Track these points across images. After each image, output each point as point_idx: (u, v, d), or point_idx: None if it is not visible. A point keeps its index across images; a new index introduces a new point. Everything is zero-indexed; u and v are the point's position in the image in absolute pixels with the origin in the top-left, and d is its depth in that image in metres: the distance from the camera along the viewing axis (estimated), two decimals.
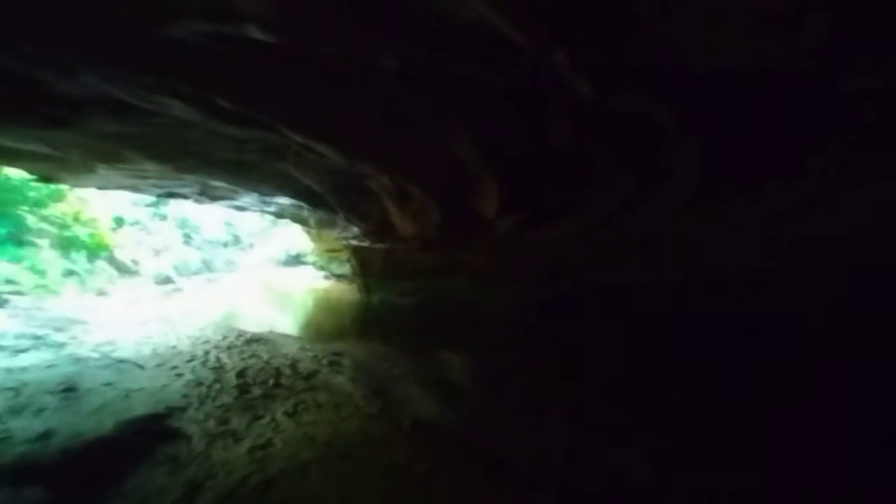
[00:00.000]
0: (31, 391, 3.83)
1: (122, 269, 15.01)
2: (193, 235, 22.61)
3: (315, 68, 2.91)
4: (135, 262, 15.94)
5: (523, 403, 4.77)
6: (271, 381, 4.81)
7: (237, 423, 3.72)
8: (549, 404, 4.75)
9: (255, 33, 2.14)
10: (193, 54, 2.85)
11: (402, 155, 4.67)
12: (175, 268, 18.39)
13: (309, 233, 16.27)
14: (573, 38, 1.91)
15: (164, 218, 20.88)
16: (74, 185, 10.65)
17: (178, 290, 16.57)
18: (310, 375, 5.27)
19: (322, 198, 7.94)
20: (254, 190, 8.56)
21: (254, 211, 13.94)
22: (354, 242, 11.44)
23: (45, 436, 3.08)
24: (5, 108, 3.88)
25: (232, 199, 9.54)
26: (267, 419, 3.85)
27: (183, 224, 22.08)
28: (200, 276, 20.28)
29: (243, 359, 5.66)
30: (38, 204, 12.54)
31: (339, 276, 18.67)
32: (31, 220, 12.12)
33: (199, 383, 4.54)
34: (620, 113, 2.53)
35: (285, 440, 3.49)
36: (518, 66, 2.38)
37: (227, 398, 4.24)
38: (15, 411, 3.45)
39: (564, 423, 4.24)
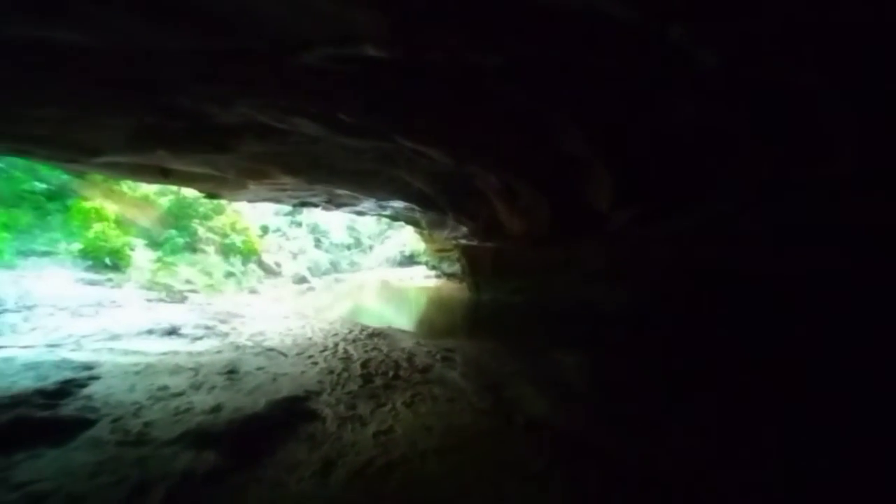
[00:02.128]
0: (205, 372, 4.65)
1: (268, 271, 17.34)
2: (323, 240, 25.23)
3: (423, 77, 3.07)
4: (277, 264, 18.29)
5: (642, 406, 4.45)
6: (391, 373, 5.15)
7: (363, 408, 4.07)
8: (671, 408, 4.37)
9: (371, 51, 2.34)
10: (318, 77, 3.20)
11: (509, 153, 4.68)
12: (309, 269, 20.68)
13: (421, 234, 17.11)
14: (691, 9, 1.74)
15: (299, 225, 23.64)
16: (231, 200, 12.64)
17: (312, 288, 18.61)
18: (425, 369, 5.52)
19: (432, 199, 8.32)
20: (372, 196, 9.29)
21: (372, 215, 15.11)
22: (464, 242, 11.73)
23: (216, 409, 3.71)
24: (182, 139, 4.76)
25: (354, 204, 10.47)
26: (388, 407, 4.14)
27: (314, 230, 24.76)
28: (329, 275, 22.54)
29: (366, 351, 6.15)
30: (205, 217, 15.16)
31: (449, 275, 19.32)
32: (201, 231, 14.69)
33: (331, 371, 5.06)
34: (758, 83, 2.23)
35: (405, 428, 3.72)
36: (631, 47, 2.24)
37: (353, 386, 4.65)
38: (195, 387, 4.22)
39: (687, 428, 3.86)
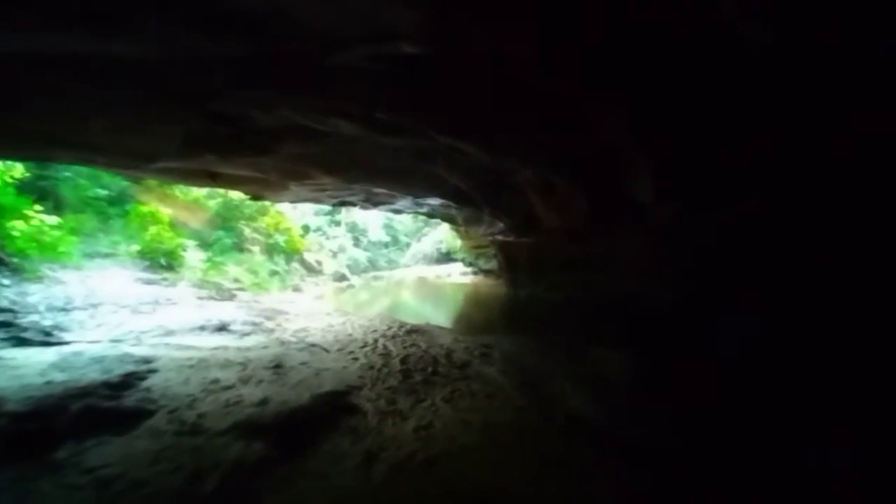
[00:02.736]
0: (253, 366, 4.85)
1: (310, 269, 17.87)
2: (361, 238, 25.75)
3: (458, 72, 3.06)
4: (318, 262, 18.82)
5: (687, 405, 4.27)
6: (430, 369, 5.19)
7: (403, 403, 4.12)
8: (717, 408, 4.17)
9: (407, 48, 2.35)
10: (355, 77, 3.25)
11: (546, 146, 4.59)
12: (348, 267, 21.17)
13: (457, 231, 17.13)
14: None
15: (338, 224, 24.24)
16: (274, 201, 13.11)
17: (351, 285, 19.03)
18: (463, 365, 5.52)
19: (469, 196, 8.30)
20: (409, 193, 9.38)
21: (409, 213, 15.27)
22: (500, 238, 11.64)
23: (263, 402, 3.86)
24: (227, 143, 4.97)
25: (391, 203, 10.62)
26: (428, 403, 4.17)
27: (353, 228, 25.32)
28: (367, 273, 22.98)
29: (405, 347, 6.22)
30: (251, 218, 15.80)
31: (486, 272, 19.25)
32: (247, 232, 15.33)
33: (371, 367, 5.16)
34: (814, 64, 2.07)
35: (444, 423, 3.74)
36: (678, 26, 2.13)
37: (393, 381, 4.72)
38: (243, 381, 4.41)
39: (734, 428, 3.68)
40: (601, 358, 6.09)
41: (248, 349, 5.62)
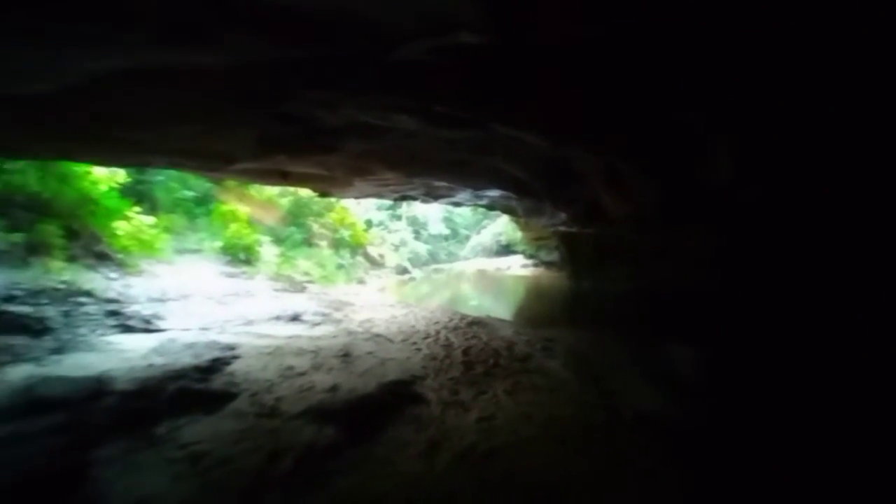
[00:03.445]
0: (323, 354, 5.13)
1: (373, 262, 18.48)
2: (422, 231, 26.17)
3: (518, 60, 2.98)
4: (381, 255, 19.41)
5: (765, 404, 3.94)
6: (491, 361, 5.20)
7: (465, 395, 4.16)
8: (795, 406, 3.81)
9: (467, 38, 2.32)
10: (414, 72, 3.28)
11: (613, 132, 4.37)
12: (409, 260, 21.64)
13: (518, 222, 16.89)
14: None
15: (399, 218, 24.81)
16: (340, 197, 13.67)
17: (413, 278, 19.45)
18: (525, 358, 5.47)
19: (529, 186, 8.14)
20: (468, 186, 9.37)
21: (468, 205, 15.27)
22: (562, 229, 11.31)
23: (333, 388, 4.07)
24: (296, 143, 5.23)
25: (450, 196, 10.66)
26: (489, 395, 4.18)
27: (413, 222, 25.79)
28: (428, 266, 23.35)
29: (466, 339, 6.27)
30: (318, 214, 16.61)
31: (548, 264, 18.84)
32: (315, 227, 16.15)
33: (434, 358, 5.26)
34: None
35: (506, 416, 3.73)
36: None
37: (455, 372, 4.79)
38: (315, 368, 4.68)
39: (816, 431, 3.34)
40: (670, 353, 5.78)
41: (318, 338, 5.94)
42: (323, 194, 10.55)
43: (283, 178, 7.90)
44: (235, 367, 4.52)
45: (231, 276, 10.16)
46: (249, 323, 6.54)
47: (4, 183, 7.10)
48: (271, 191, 14.93)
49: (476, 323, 7.55)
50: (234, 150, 5.47)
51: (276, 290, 9.69)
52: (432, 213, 26.58)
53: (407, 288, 16.81)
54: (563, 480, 2.83)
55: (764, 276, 7.05)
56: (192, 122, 4.26)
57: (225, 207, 12.66)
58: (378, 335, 6.28)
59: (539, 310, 11.95)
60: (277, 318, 7.00)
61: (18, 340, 4.42)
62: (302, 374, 4.46)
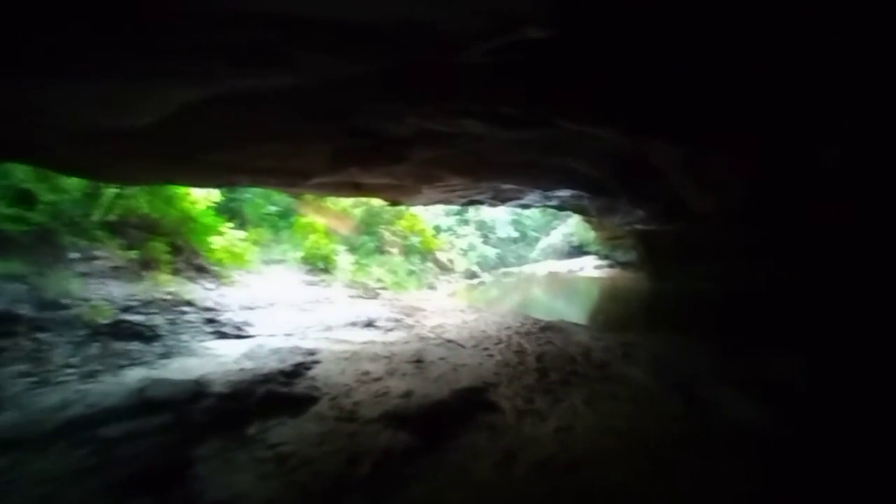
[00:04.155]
0: (397, 360, 5.23)
1: (442, 268, 18.68)
2: (490, 235, 26.03)
3: (589, 52, 2.83)
4: (450, 261, 19.57)
5: (881, 418, 3.35)
6: (567, 368, 4.98)
7: (540, 403, 4.02)
8: None
9: (534, 33, 2.23)
10: (478, 75, 3.24)
11: (697, 119, 4.01)
12: (478, 264, 21.59)
13: (590, 222, 16.20)
14: None
15: (466, 223, 24.88)
16: (409, 205, 13.99)
17: (482, 282, 19.39)
18: (603, 365, 5.19)
19: (602, 184, 7.76)
20: (537, 187, 9.16)
21: (537, 207, 14.94)
22: (639, 227, 10.67)
23: (407, 394, 4.12)
24: (367, 155, 5.41)
25: (519, 198, 10.49)
26: (566, 404, 4.00)
27: (481, 226, 25.74)
28: (497, 269, 23.15)
29: (540, 345, 6.08)
30: (389, 223, 17.15)
31: (624, 264, 17.87)
32: (386, 235, 16.69)
33: (506, 364, 5.15)
34: None
35: (585, 427, 3.54)
36: None
37: (529, 379, 4.65)
38: (390, 373, 4.78)
39: None
40: (767, 359, 5.21)
41: (391, 344, 6.07)
42: (393, 203, 10.87)
43: (356, 189, 8.24)
44: (316, 371, 4.74)
45: (311, 284, 10.76)
46: (328, 329, 6.86)
47: (122, 207, 8.10)
48: (345, 202, 15.67)
49: (549, 327, 7.31)
50: (310, 165, 5.79)
51: (352, 297, 10.11)
52: (500, 217, 26.33)
53: (476, 292, 16.77)
54: (651, 499, 2.61)
55: (881, 276, 6.10)
56: (271, 141, 4.56)
57: (304, 220, 13.50)
58: (450, 341, 6.29)
59: (616, 313, 11.37)
60: (353, 323, 7.27)
61: (133, 346, 4.99)
62: (377, 379, 4.57)
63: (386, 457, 3.14)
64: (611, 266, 19.80)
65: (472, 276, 19.66)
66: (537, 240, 28.82)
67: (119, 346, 4.95)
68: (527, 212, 24.00)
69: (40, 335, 4.68)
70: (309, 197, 13.38)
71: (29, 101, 2.48)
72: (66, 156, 4.05)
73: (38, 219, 6.43)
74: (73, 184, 7.34)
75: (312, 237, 12.54)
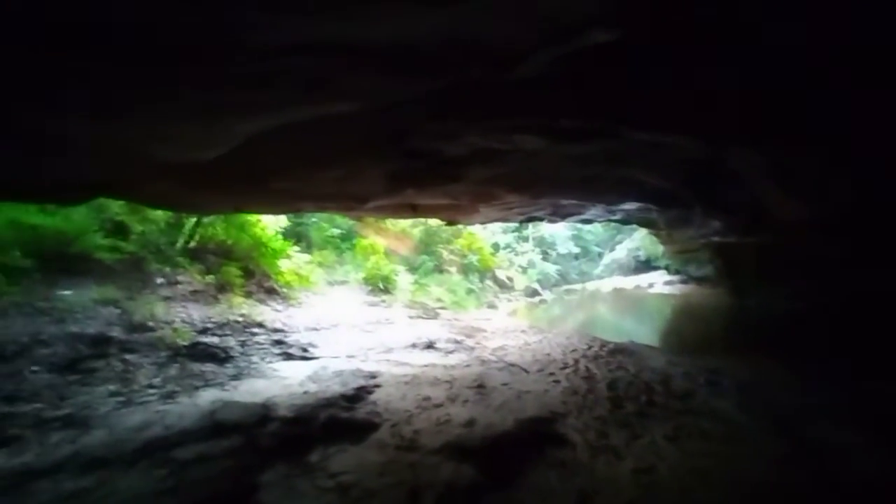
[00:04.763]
0: (458, 385, 5.06)
1: (502, 285, 18.37)
2: (550, 252, 25.36)
3: (659, 53, 2.60)
4: (509, 278, 19.22)
5: None
6: (643, 398, 4.56)
7: (616, 438, 3.66)
8: None
9: (600, 35, 2.06)
10: (533, 89, 3.10)
11: (786, 118, 3.58)
12: (538, 281, 21.01)
13: (658, 235, 15.24)
14: None
15: (525, 240, 24.42)
16: (466, 224, 13.96)
17: (543, 300, 18.80)
18: (685, 395, 4.70)
19: (673, 194, 7.26)
20: (600, 201, 8.76)
21: (600, 221, 14.32)
22: (716, 239, 9.85)
23: (470, 423, 3.93)
24: (422, 176, 5.41)
25: (580, 213, 10.10)
26: (646, 440, 3.61)
27: (540, 242, 25.15)
28: (559, 287, 22.41)
29: (610, 370, 5.65)
30: (447, 242, 17.22)
31: (699, 279, 16.61)
32: (445, 254, 16.75)
33: (574, 392, 4.81)
34: None
35: (671, 469, 3.16)
36: None
37: (601, 410, 4.28)
38: (451, 399, 4.62)
39: None
40: (880, 391, 4.48)
41: (452, 367, 5.91)
42: (450, 222, 10.87)
43: (413, 210, 8.31)
44: (377, 395, 4.68)
45: (372, 304, 10.93)
46: (389, 350, 6.84)
47: (201, 234, 8.73)
48: (404, 223, 15.95)
49: (620, 350, 6.82)
50: (368, 189, 5.89)
51: (412, 318, 10.11)
52: (560, 232, 25.63)
53: (538, 311, 16.27)
54: None
55: None
56: (331, 168, 4.68)
57: (365, 241, 13.88)
58: (512, 364, 6.03)
59: (693, 334, 10.47)
60: (413, 345, 7.21)
61: (208, 367, 5.23)
62: (438, 405, 4.42)
63: (449, 492, 2.97)
64: (683, 282, 18.52)
65: (533, 293, 19.15)
66: (600, 255, 27.70)
67: (195, 367, 5.20)
68: (588, 226, 23.17)
69: (128, 356, 5.04)
70: (369, 219, 13.75)
71: (113, 140, 2.68)
72: (145, 190, 4.40)
73: (129, 248, 7.05)
74: (159, 215, 8.02)
75: (373, 258, 12.82)
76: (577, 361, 6.12)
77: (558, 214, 10.26)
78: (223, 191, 4.84)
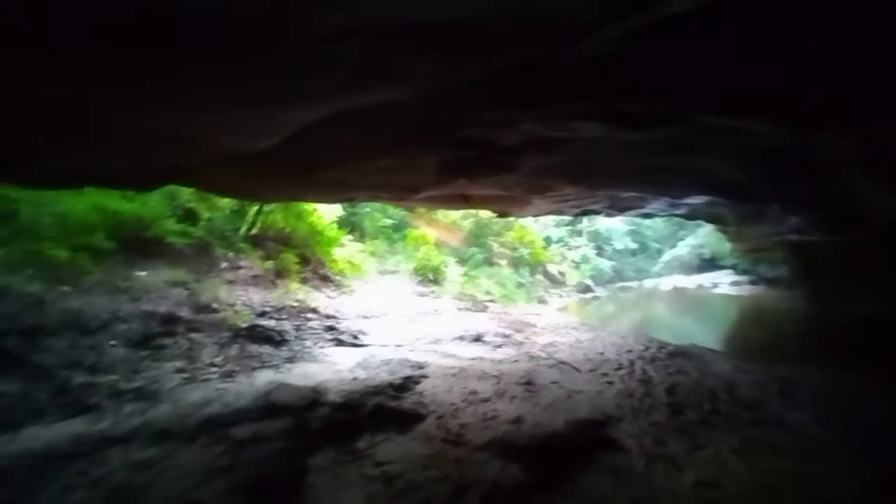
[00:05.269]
0: (505, 380, 4.95)
1: (553, 280, 17.92)
2: (605, 247, 24.39)
3: (738, 21, 2.32)
4: (561, 273, 18.71)
5: None
6: (706, 406, 4.23)
7: (675, 447, 3.41)
8: None
9: (680, 4, 1.85)
10: (595, 69, 2.89)
11: (883, 102, 3.13)
12: (591, 277, 20.30)
13: (726, 232, 14.21)
14: None
15: (579, 234, 23.62)
16: (518, 216, 13.70)
17: (596, 297, 18.16)
18: (753, 405, 4.33)
19: (746, 187, 6.66)
20: (663, 194, 8.23)
21: (661, 216, 13.53)
22: (793, 237, 9.00)
23: (518, 420, 3.82)
24: (475, 166, 5.29)
25: (640, 207, 9.56)
26: (709, 451, 3.34)
27: (595, 237, 24.24)
28: (613, 284, 21.54)
29: (669, 374, 5.31)
30: (498, 234, 17.00)
31: (770, 280, 15.40)
32: (495, 247, 16.56)
33: (630, 395, 4.55)
34: None
35: (739, 486, 2.89)
36: None
37: (659, 416, 4.02)
38: (498, 395, 4.52)
39: None
40: None
41: (500, 361, 5.81)
42: (502, 214, 10.68)
43: (465, 201, 8.22)
44: (424, 386, 4.68)
45: (421, 294, 11.01)
46: (436, 342, 6.84)
47: (262, 222, 9.14)
48: (455, 214, 15.92)
49: (680, 354, 6.40)
50: (419, 179, 5.86)
51: (460, 309, 10.08)
52: (617, 227, 24.55)
53: (590, 308, 15.74)
54: None
55: None
56: (382, 157, 4.68)
57: (416, 232, 14.00)
58: (562, 362, 5.82)
59: (763, 339, 9.71)
60: (461, 337, 7.17)
61: (265, 349, 5.47)
62: (485, 400, 4.34)
63: (495, 491, 2.89)
64: (752, 282, 17.26)
65: (586, 290, 18.53)
66: (659, 252, 26.32)
67: (253, 348, 5.45)
68: (647, 221, 22.02)
69: (194, 335, 5.36)
70: (421, 210, 13.84)
71: (180, 131, 2.80)
72: (210, 178, 4.62)
73: (198, 233, 7.50)
74: (225, 202, 8.47)
75: (423, 249, 12.91)
76: (632, 363, 5.81)
77: (616, 208, 9.78)
78: (278, 179, 4.98)
